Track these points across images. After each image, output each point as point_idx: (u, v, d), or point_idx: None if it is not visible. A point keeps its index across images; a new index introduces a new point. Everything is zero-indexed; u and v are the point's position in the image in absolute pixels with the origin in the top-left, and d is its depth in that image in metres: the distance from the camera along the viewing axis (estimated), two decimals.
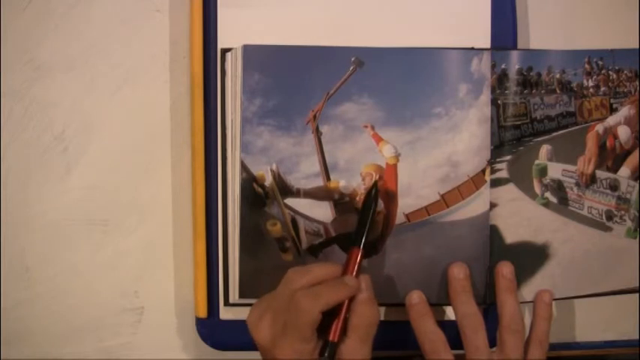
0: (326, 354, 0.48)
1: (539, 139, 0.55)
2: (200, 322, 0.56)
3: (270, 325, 0.48)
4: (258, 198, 0.54)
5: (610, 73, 0.56)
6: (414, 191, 0.54)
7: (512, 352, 0.51)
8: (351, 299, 0.49)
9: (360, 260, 0.50)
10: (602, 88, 0.56)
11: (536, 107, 0.55)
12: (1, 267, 0.57)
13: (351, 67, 0.53)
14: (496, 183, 0.54)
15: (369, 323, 0.49)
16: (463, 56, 0.54)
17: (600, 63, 0.55)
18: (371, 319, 0.49)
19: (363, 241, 0.51)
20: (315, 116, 0.54)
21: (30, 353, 0.57)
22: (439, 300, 0.54)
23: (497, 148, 0.54)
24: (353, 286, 0.49)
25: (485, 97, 0.54)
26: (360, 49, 0.53)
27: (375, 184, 0.52)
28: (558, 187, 0.56)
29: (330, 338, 0.48)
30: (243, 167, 0.53)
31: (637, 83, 0.56)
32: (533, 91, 0.55)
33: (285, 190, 0.54)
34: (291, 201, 0.54)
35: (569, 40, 0.58)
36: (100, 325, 0.57)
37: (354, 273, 0.50)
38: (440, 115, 0.54)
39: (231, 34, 0.55)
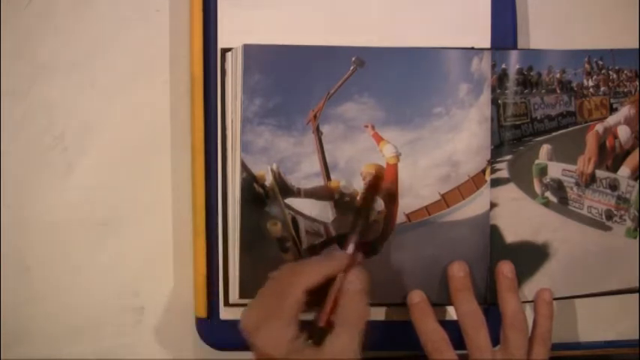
0: (314, 339, 0.46)
1: (539, 138, 0.55)
2: (200, 322, 0.56)
3: (257, 311, 0.47)
4: (258, 198, 0.54)
5: (610, 73, 0.56)
6: (415, 191, 0.54)
7: (516, 350, 0.51)
8: (342, 290, 0.47)
9: (354, 253, 0.49)
10: (602, 88, 0.56)
11: (536, 107, 0.55)
12: (1, 267, 0.57)
13: (352, 67, 0.53)
14: (496, 183, 0.55)
15: (357, 317, 0.47)
16: (463, 56, 0.54)
17: (600, 63, 0.56)
18: (359, 312, 0.47)
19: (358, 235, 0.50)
20: (315, 116, 0.54)
21: (30, 353, 0.57)
22: (440, 300, 0.54)
23: (498, 148, 0.55)
24: (338, 259, 0.48)
25: (486, 96, 0.54)
26: (360, 49, 0.53)
27: (373, 183, 0.52)
28: (558, 187, 0.56)
29: (319, 324, 0.47)
30: (244, 167, 0.53)
31: (637, 83, 0.56)
32: (534, 90, 0.55)
33: (286, 189, 0.54)
34: (291, 201, 0.54)
35: (569, 40, 0.58)
36: (100, 325, 0.57)
37: (350, 258, 0.48)
38: (440, 115, 0.54)
39: (231, 34, 0.55)
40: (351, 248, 0.49)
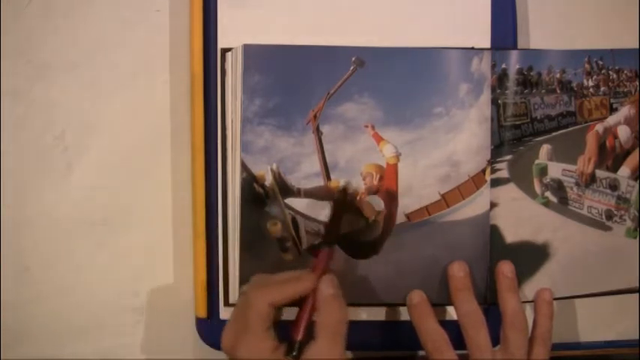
0: (294, 353, 0.46)
1: (539, 138, 0.55)
2: (200, 322, 0.56)
3: (231, 329, 0.47)
4: (258, 198, 0.54)
5: (610, 73, 0.56)
6: (415, 191, 0.54)
7: (516, 349, 0.51)
8: (316, 298, 0.48)
9: (327, 261, 0.50)
10: (602, 88, 0.56)
11: (536, 107, 0.55)
12: (1, 267, 0.57)
13: (352, 67, 0.53)
14: (496, 183, 0.55)
15: (336, 321, 0.47)
16: (463, 56, 0.54)
17: (600, 63, 0.56)
18: (337, 316, 0.47)
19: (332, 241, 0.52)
20: (315, 116, 0.54)
21: (30, 353, 0.57)
22: (440, 300, 0.54)
23: (498, 148, 0.55)
24: (306, 280, 0.48)
25: (486, 96, 0.54)
26: (360, 49, 0.53)
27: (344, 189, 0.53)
28: (558, 187, 0.56)
29: (293, 336, 0.47)
30: (244, 167, 0.53)
31: (637, 83, 0.56)
32: (534, 90, 0.55)
33: (286, 189, 0.54)
34: (291, 201, 0.54)
35: (569, 40, 0.58)
36: (100, 325, 0.57)
37: (320, 273, 0.49)
38: (440, 115, 0.54)
39: (231, 34, 0.55)
40: (321, 264, 0.50)
